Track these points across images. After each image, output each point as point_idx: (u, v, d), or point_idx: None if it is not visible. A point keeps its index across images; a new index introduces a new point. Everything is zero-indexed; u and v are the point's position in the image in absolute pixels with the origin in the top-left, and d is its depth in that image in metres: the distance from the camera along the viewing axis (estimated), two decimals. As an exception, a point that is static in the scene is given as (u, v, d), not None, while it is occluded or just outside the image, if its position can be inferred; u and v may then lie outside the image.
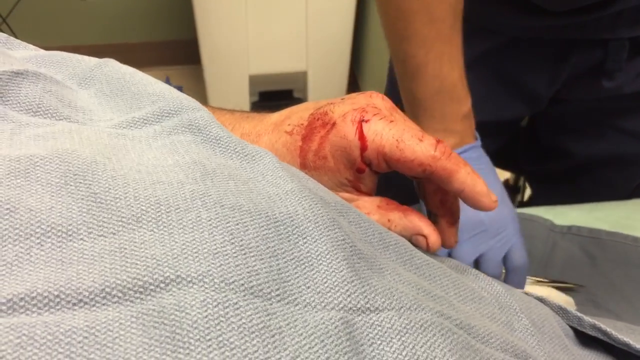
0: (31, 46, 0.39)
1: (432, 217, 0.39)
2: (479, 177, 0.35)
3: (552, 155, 0.88)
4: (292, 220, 0.25)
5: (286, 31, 1.92)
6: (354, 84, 2.23)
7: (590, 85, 0.74)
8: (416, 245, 0.35)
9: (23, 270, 0.19)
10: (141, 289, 0.20)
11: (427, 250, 0.35)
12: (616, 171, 0.82)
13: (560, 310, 0.40)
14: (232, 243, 0.22)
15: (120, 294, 0.19)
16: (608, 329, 0.38)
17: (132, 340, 0.18)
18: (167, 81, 2.33)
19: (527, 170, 0.97)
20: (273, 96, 2.15)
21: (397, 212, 0.36)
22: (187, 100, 0.31)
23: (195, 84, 2.35)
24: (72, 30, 2.23)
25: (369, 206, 0.36)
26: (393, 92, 0.89)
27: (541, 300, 0.40)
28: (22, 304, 0.18)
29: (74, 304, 0.19)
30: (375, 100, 0.36)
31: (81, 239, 0.21)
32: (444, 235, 0.39)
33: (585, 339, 0.40)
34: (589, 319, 0.39)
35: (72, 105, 0.30)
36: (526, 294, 0.40)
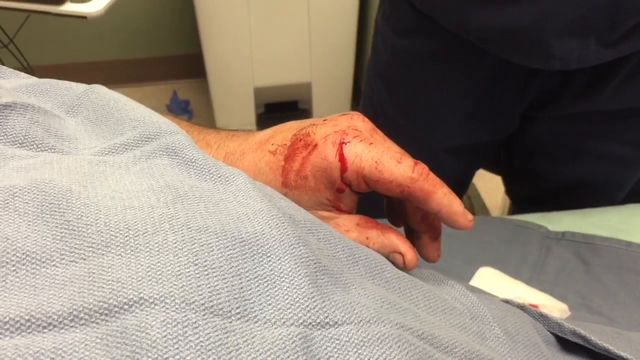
0: (22, 74, 0.40)
1: (415, 234, 0.40)
2: (455, 198, 0.36)
3: (528, 177, 0.87)
4: (257, 240, 0.26)
5: (290, 43, 1.94)
6: (357, 94, 2.25)
7: (559, 102, 0.74)
8: (394, 262, 0.36)
9: None
10: (106, 311, 0.21)
11: (404, 267, 0.36)
12: (596, 193, 0.81)
13: (541, 317, 0.40)
14: (196, 264, 0.23)
15: (86, 317, 0.21)
16: (587, 335, 0.39)
17: (96, 359, 0.19)
18: (174, 95, 2.36)
19: (508, 190, 0.97)
20: (278, 108, 2.17)
21: (375, 230, 0.37)
22: (165, 125, 0.33)
23: (201, 97, 2.37)
24: (79, 48, 2.27)
25: (348, 224, 0.37)
26: (369, 107, 0.90)
27: (522, 308, 0.41)
28: None
29: (44, 327, 0.20)
30: (356, 122, 0.38)
31: (54, 265, 0.22)
32: (427, 250, 0.40)
33: (569, 344, 0.40)
34: (569, 325, 0.40)
35: (58, 134, 0.32)
36: (507, 302, 0.41)
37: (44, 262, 0.22)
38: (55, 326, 0.20)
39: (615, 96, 0.69)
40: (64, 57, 2.24)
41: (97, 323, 0.21)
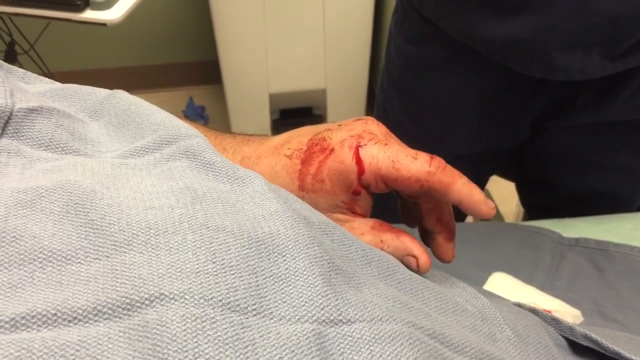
0: (46, 80, 0.41)
1: (430, 235, 0.41)
2: (475, 187, 0.36)
3: (541, 186, 0.87)
4: (273, 240, 0.27)
5: (305, 50, 1.95)
6: (372, 101, 2.25)
7: (569, 112, 0.74)
8: (407, 265, 0.37)
9: (26, 291, 0.22)
10: (129, 306, 0.22)
11: (418, 270, 0.36)
12: (608, 204, 0.80)
13: (552, 321, 0.41)
14: (214, 262, 0.24)
15: (110, 311, 0.22)
16: (599, 339, 0.39)
17: (119, 352, 0.20)
18: (191, 101, 2.38)
19: (521, 198, 0.97)
20: (293, 114, 2.19)
21: (389, 234, 0.37)
22: (185, 128, 0.34)
23: (217, 103, 2.39)
24: (98, 54, 2.30)
25: (363, 227, 0.38)
26: (381, 114, 0.90)
27: (533, 311, 0.41)
28: (23, 322, 0.21)
29: (69, 321, 0.21)
30: (370, 126, 0.38)
31: (78, 262, 0.23)
32: (442, 250, 0.40)
33: (580, 349, 0.41)
34: (581, 329, 0.40)
35: (82, 137, 0.33)
36: (518, 305, 0.41)
37: (69, 259, 0.23)
38: (80, 320, 0.21)
39: (627, 107, 0.69)
40: (83, 63, 2.28)
41: (120, 317, 0.22)
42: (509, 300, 0.41)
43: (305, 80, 2.04)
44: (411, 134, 0.84)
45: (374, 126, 0.38)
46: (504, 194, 1.79)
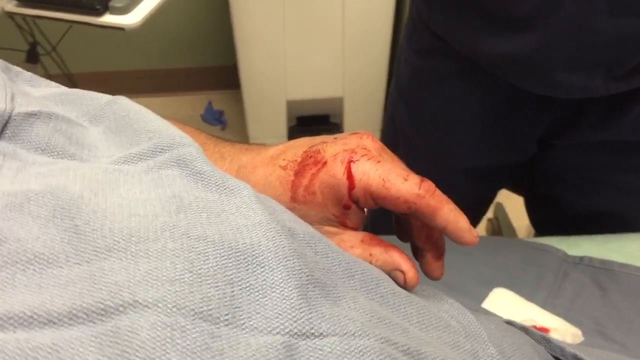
0: (53, 83, 0.42)
1: (419, 252, 0.41)
2: (461, 214, 0.36)
3: (548, 203, 0.87)
4: (253, 251, 0.27)
5: (323, 58, 1.96)
6: (390, 109, 2.25)
7: (576, 130, 0.73)
8: (395, 280, 0.37)
9: (6, 293, 0.22)
10: (103, 312, 0.22)
11: (405, 285, 0.36)
12: (616, 224, 0.80)
13: (543, 340, 0.41)
14: (191, 271, 0.25)
15: (84, 316, 0.22)
16: (588, 360, 0.39)
17: (89, 357, 0.21)
18: (209, 105, 2.40)
19: (529, 214, 0.97)
20: (310, 121, 2.19)
21: (379, 248, 0.38)
22: (179, 137, 0.34)
23: (235, 108, 2.41)
24: (118, 57, 2.33)
25: (353, 240, 0.38)
26: (389, 125, 0.91)
27: (524, 330, 0.41)
28: (0, 322, 0.21)
29: (44, 324, 0.22)
30: (365, 141, 0.39)
31: (59, 266, 0.24)
32: (431, 267, 0.40)
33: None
34: (571, 349, 0.40)
35: (79, 142, 0.34)
36: (509, 323, 0.41)
37: (50, 262, 0.24)
38: (55, 323, 0.22)
39: (634, 128, 0.68)
40: (104, 66, 2.31)
41: (94, 322, 0.22)
42: (500, 318, 0.41)
43: (323, 88, 2.05)
44: (417, 146, 0.85)
45: (369, 141, 0.39)
46: (518, 208, 1.76)
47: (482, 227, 1.90)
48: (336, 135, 0.40)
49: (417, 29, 0.77)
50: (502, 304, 0.64)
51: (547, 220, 0.91)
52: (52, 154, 0.32)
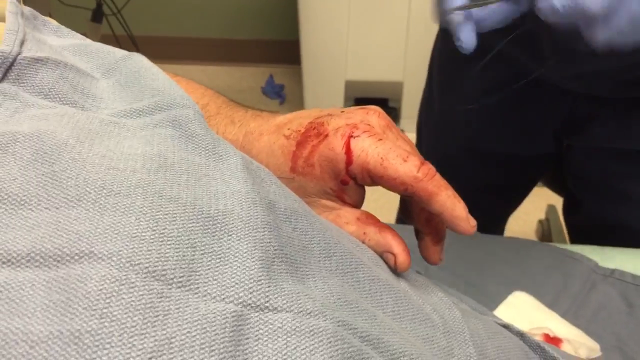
0: (78, 35, 0.43)
1: (419, 235, 0.40)
2: (459, 201, 0.35)
3: (578, 210, 0.85)
4: (224, 218, 0.27)
5: (386, 41, 1.93)
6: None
7: (589, 130, 0.72)
8: (386, 261, 0.36)
9: None
10: (59, 258, 0.23)
11: (395, 268, 0.36)
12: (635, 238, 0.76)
13: (538, 348, 0.39)
14: (154, 230, 0.25)
15: (41, 260, 0.23)
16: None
17: (36, 300, 0.21)
18: (270, 78, 2.42)
19: (565, 220, 0.94)
20: (367, 103, 2.15)
21: (373, 227, 0.37)
22: (180, 98, 0.34)
23: (295, 84, 2.42)
24: (182, 23, 2.36)
25: (349, 217, 0.38)
26: (424, 103, 0.92)
27: (520, 335, 0.40)
28: None
29: (4, 262, 0.22)
30: (370, 117, 0.38)
31: (30, 209, 0.24)
32: (428, 252, 0.40)
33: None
34: (566, 361, 0.38)
35: (85, 92, 0.34)
36: (505, 327, 0.40)
37: (22, 204, 0.24)
38: (13, 263, 0.22)
39: None
40: (168, 30, 2.35)
41: (49, 267, 0.22)
42: (494, 319, 0.40)
43: (384, 71, 2.03)
44: (439, 125, 0.88)
45: (374, 117, 0.38)
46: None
47: (531, 228, 1.85)
48: (344, 109, 0.39)
49: None
50: (520, 308, 0.62)
51: (575, 226, 0.89)
52: (55, 99, 0.32)
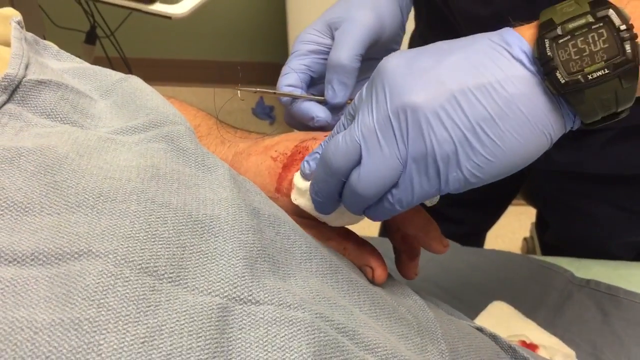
0: (77, 59, 0.46)
1: (396, 251, 0.43)
2: (432, 223, 0.38)
3: (545, 225, 0.88)
4: (211, 222, 0.29)
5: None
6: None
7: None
8: (365, 274, 0.39)
9: None
10: (60, 257, 0.25)
11: (373, 280, 0.38)
12: (590, 253, 0.79)
13: (509, 349, 0.41)
14: (147, 231, 0.27)
15: (44, 258, 0.25)
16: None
17: (39, 293, 0.24)
18: (261, 100, 2.45)
19: (537, 234, 0.98)
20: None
21: (352, 243, 0.39)
22: (173, 115, 0.37)
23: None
24: (174, 46, 2.40)
25: (330, 233, 0.40)
26: None
27: (493, 337, 0.42)
28: None
29: (10, 261, 0.25)
30: None
31: (33, 215, 0.27)
32: (404, 268, 0.42)
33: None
34: (536, 361, 0.41)
35: (84, 112, 0.37)
36: (479, 329, 0.42)
37: (26, 211, 0.27)
38: (18, 262, 0.25)
39: (597, 161, 0.68)
40: (159, 53, 2.38)
41: (51, 265, 0.25)
42: (466, 321, 0.42)
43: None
44: None
45: None
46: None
47: (517, 246, 1.88)
48: (327, 133, 0.42)
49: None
50: (499, 317, 0.65)
51: (547, 243, 0.92)
52: (56, 119, 0.35)
